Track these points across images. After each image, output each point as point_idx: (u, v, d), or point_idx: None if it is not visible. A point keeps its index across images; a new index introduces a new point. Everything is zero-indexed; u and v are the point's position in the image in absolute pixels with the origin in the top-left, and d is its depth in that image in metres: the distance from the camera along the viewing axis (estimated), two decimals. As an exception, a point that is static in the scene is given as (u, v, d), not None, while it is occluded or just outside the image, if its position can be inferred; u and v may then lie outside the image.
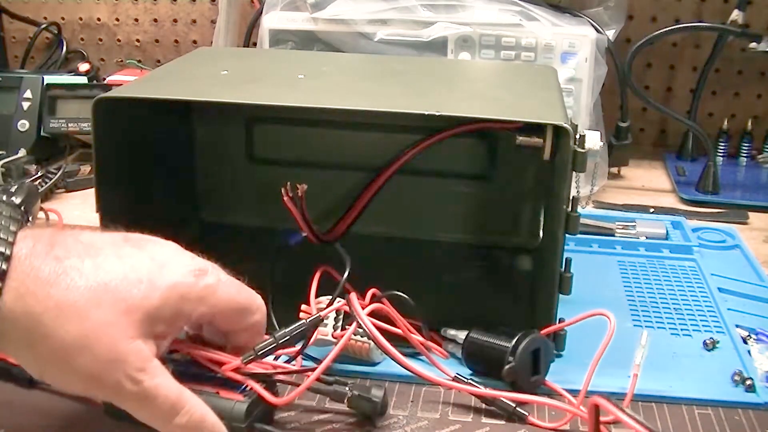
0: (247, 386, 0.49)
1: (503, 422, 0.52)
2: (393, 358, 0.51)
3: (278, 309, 0.57)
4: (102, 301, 0.41)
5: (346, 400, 0.51)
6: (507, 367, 0.53)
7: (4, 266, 0.40)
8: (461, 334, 0.57)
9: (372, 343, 0.53)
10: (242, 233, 0.75)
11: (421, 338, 0.56)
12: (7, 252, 0.40)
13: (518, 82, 0.70)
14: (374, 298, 0.54)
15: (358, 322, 0.51)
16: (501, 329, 0.56)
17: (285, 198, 0.56)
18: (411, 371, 0.52)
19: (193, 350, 0.50)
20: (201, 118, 0.75)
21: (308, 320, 0.51)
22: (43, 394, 0.54)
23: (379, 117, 0.56)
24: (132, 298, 0.42)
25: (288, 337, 0.50)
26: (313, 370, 0.49)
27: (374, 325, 0.51)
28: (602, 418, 0.45)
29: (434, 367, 0.54)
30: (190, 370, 0.51)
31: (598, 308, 0.55)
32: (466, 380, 0.53)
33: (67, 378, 0.42)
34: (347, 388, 0.51)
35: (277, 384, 0.51)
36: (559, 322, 0.57)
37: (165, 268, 0.44)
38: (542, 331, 0.56)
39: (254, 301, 0.48)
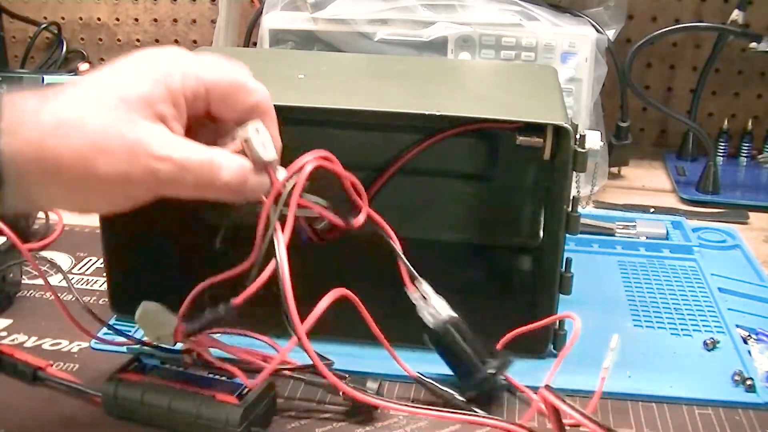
0: (244, 389, 0.49)
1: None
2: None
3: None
4: (92, 105, 0.41)
5: (341, 393, 0.51)
6: (473, 393, 0.53)
7: None
8: (437, 307, 0.55)
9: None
10: (242, 233, 0.75)
11: None
12: None
13: (518, 82, 0.70)
14: None
15: None
16: (479, 339, 0.54)
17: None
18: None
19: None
20: (201, 118, 0.74)
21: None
22: (44, 393, 0.54)
23: (379, 117, 0.56)
24: (119, 88, 0.42)
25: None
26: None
27: None
28: (566, 421, 0.45)
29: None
30: (186, 373, 0.51)
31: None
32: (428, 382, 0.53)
33: (100, 195, 0.42)
34: (343, 382, 0.51)
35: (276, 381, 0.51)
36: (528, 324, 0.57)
37: (148, 60, 0.44)
38: (512, 333, 0.56)
39: (248, 78, 0.47)
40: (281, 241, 0.46)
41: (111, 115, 0.41)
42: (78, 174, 0.41)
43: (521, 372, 0.56)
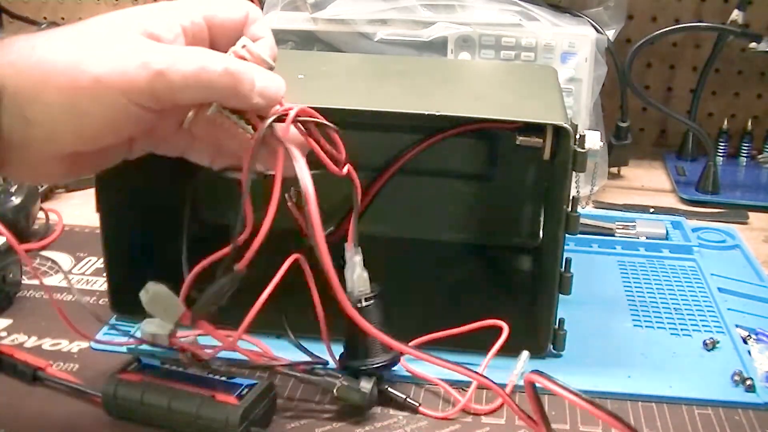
0: (244, 389, 0.49)
1: (503, 422, 0.52)
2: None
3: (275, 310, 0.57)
4: (88, 24, 0.43)
5: (335, 390, 0.51)
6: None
7: None
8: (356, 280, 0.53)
9: None
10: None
11: None
12: None
13: (518, 82, 0.70)
14: None
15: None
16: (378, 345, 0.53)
17: (289, 204, 0.56)
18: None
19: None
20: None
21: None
22: (44, 393, 0.54)
23: (379, 117, 0.56)
24: (116, 17, 0.44)
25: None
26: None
27: None
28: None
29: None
30: (186, 373, 0.51)
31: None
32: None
33: (96, 103, 0.41)
34: (338, 381, 0.51)
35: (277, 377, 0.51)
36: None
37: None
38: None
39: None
40: (301, 161, 0.46)
41: (105, 29, 0.43)
42: (72, 77, 0.40)
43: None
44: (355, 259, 0.53)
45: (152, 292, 0.49)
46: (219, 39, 0.47)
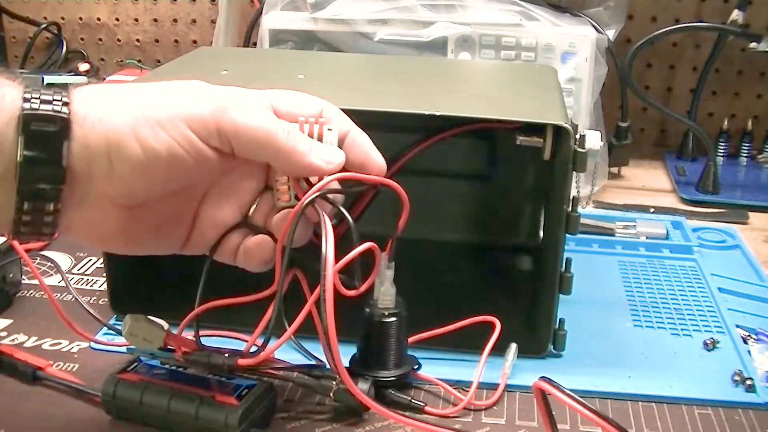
0: (244, 390, 0.49)
1: (503, 422, 0.52)
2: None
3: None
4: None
5: (332, 393, 0.51)
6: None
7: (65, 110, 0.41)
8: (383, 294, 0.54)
9: None
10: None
11: None
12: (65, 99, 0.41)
13: (518, 82, 0.70)
14: None
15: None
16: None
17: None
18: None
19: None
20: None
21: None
22: (44, 393, 0.54)
23: (379, 117, 0.56)
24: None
25: None
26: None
27: None
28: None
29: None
30: (186, 374, 0.51)
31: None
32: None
33: (180, 141, 0.43)
34: (334, 383, 0.51)
35: (275, 382, 0.51)
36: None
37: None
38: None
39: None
40: (330, 234, 0.46)
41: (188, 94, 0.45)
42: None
43: (522, 372, 0.56)
44: (387, 273, 0.53)
45: (129, 325, 0.50)
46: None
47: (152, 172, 0.43)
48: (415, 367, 0.55)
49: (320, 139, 0.47)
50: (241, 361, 0.49)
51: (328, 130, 0.47)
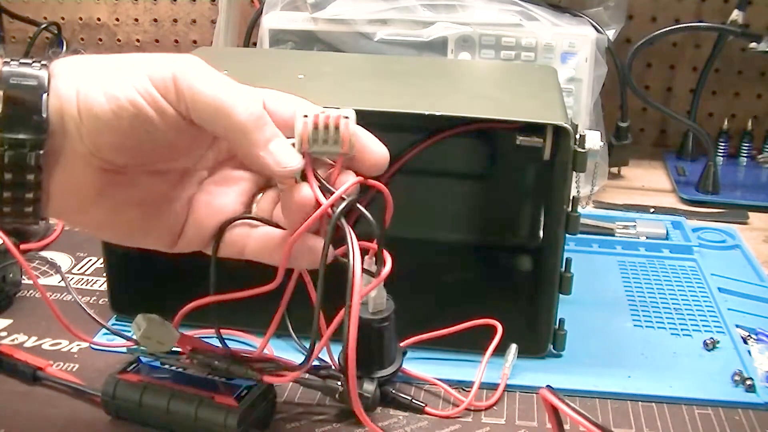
0: (244, 391, 0.49)
1: (503, 422, 0.52)
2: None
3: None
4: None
5: (337, 395, 0.51)
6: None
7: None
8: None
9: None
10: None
11: None
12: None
13: (518, 82, 0.70)
14: None
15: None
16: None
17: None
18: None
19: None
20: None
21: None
22: (44, 393, 0.54)
23: (379, 117, 0.56)
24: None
25: None
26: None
27: None
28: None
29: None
30: (186, 374, 0.51)
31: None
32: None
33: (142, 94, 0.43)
34: (339, 384, 0.51)
35: (275, 385, 0.51)
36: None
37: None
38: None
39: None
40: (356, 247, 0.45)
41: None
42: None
43: (522, 372, 0.56)
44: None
45: (144, 327, 0.49)
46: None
47: (116, 126, 0.42)
48: (404, 354, 0.55)
49: (336, 128, 0.46)
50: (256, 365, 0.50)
51: (344, 117, 0.46)
